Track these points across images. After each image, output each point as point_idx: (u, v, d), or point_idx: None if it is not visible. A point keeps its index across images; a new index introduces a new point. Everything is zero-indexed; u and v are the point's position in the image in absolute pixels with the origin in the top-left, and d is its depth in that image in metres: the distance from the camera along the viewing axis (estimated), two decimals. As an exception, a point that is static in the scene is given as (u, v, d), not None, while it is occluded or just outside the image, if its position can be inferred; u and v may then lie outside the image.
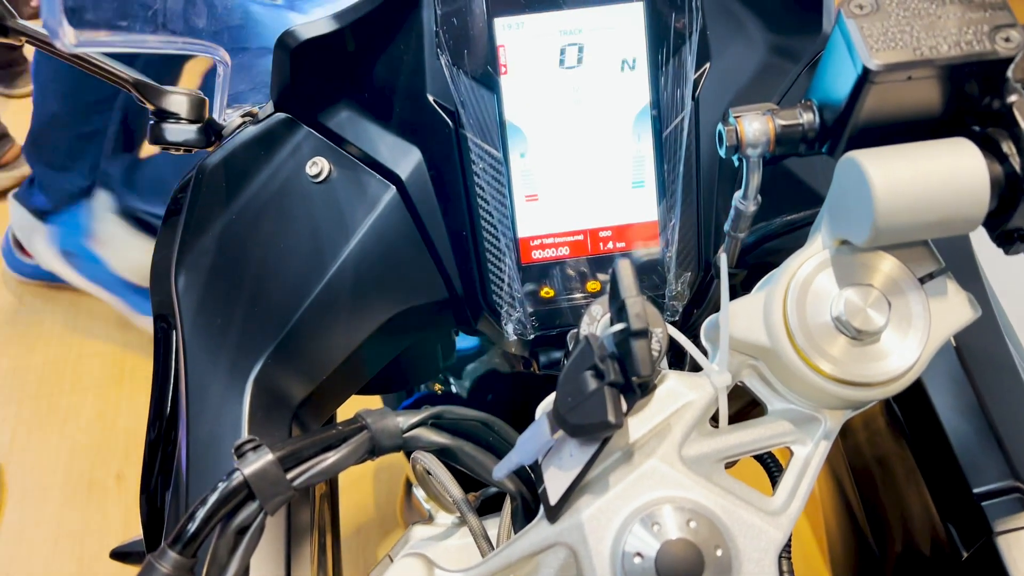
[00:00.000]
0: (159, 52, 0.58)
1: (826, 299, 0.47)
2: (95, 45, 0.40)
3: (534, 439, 0.46)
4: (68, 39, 0.37)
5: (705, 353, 0.51)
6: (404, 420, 0.49)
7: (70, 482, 1.78)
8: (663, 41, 0.59)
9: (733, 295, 0.49)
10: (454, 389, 1.09)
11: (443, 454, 0.51)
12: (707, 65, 0.61)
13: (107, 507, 1.74)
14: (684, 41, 0.59)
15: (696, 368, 0.51)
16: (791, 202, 0.60)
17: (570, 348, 0.55)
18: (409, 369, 0.87)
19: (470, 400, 1.12)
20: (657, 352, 0.46)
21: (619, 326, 0.42)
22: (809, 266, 0.48)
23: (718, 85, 0.62)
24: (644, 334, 0.41)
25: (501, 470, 0.47)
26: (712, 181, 0.63)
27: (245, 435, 0.61)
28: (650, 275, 0.62)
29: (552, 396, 0.49)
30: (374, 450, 0.49)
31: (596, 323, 0.49)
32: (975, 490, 0.58)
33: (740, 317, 0.49)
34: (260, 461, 0.44)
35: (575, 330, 0.55)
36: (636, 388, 0.42)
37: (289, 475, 0.45)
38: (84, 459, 1.81)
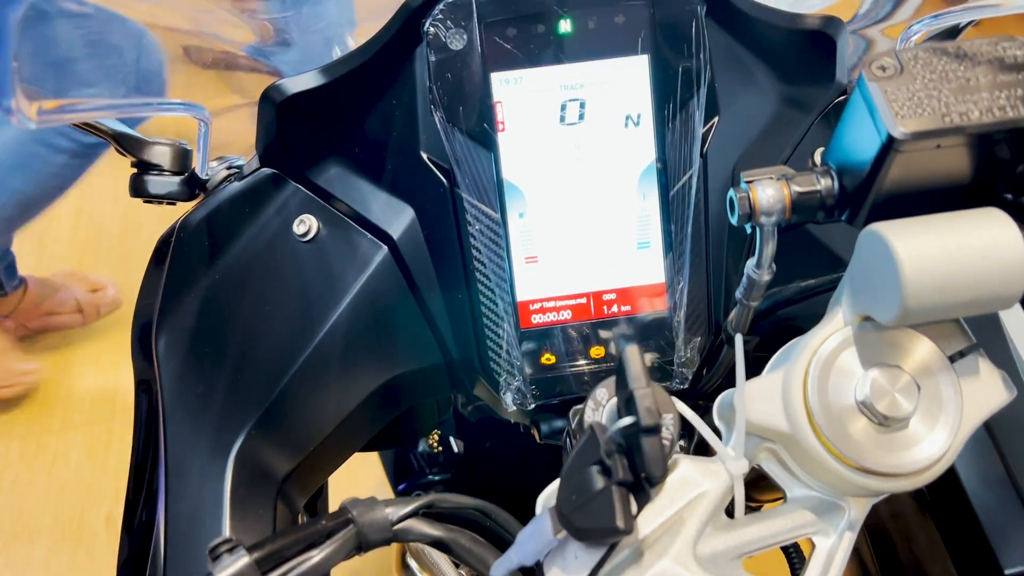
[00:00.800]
0: (134, 115, 0.55)
1: (850, 380, 0.44)
2: (60, 118, 0.37)
3: (535, 537, 0.42)
4: (28, 115, 0.34)
5: (718, 433, 0.48)
6: (393, 511, 0.46)
7: (59, 525, 1.73)
8: (669, 96, 0.56)
9: (745, 364, 0.46)
10: (452, 440, 1.05)
11: (437, 546, 0.47)
12: (716, 119, 0.58)
13: (96, 551, 1.69)
14: (692, 95, 0.56)
15: (706, 446, 0.47)
16: (807, 265, 0.57)
17: (572, 425, 0.51)
18: (404, 425, 0.83)
19: (467, 451, 1.09)
20: (669, 443, 0.43)
21: (628, 420, 0.39)
22: (831, 344, 0.44)
23: (727, 139, 0.59)
24: (655, 430, 0.37)
25: (499, 569, 0.43)
26: (722, 239, 0.59)
27: (227, 513, 0.57)
28: (657, 340, 0.58)
29: (554, 487, 0.46)
30: (361, 545, 0.45)
31: (601, 408, 0.45)
32: (1007, 571, 0.54)
33: (757, 399, 0.45)
34: (236, 565, 0.41)
35: (578, 407, 0.51)
36: (646, 487, 0.39)
37: (268, 578, 0.41)
38: (73, 501, 1.76)
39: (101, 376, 1.93)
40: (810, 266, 0.57)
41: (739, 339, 0.44)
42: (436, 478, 1.15)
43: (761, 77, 0.60)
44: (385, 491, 1.18)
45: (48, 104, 0.36)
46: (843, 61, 0.60)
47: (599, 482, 0.39)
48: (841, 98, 0.61)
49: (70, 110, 0.38)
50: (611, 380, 0.46)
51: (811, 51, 0.59)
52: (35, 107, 0.35)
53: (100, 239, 2.14)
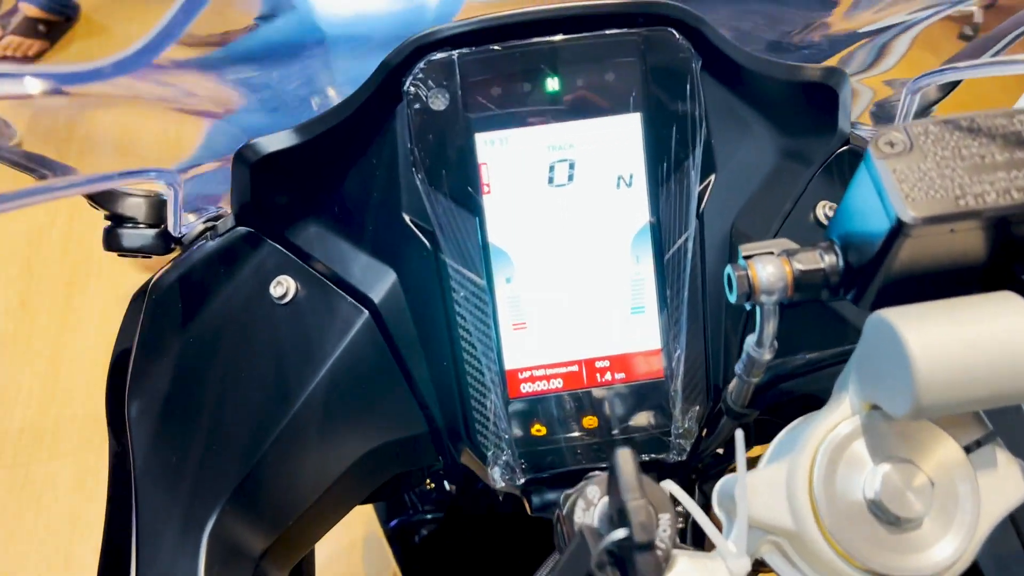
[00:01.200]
0: (96, 190, 0.52)
1: (859, 475, 0.41)
2: (9, 203, 0.34)
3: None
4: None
5: (716, 524, 0.45)
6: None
7: (46, 558, 1.70)
8: (663, 155, 0.53)
9: (746, 434, 0.43)
10: (446, 484, 1.02)
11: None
12: (712, 176, 0.55)
13: (84, 584, 1.66)
14: (687, 154, 0.53)
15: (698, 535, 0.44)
16: (810, 336, 0.54)
17: (563, 512, 0.48)
18: (393, 479, 0.80)
19: (460, 489, 1.06)
20: (663, 552, 0.39)
21: (621, 533, 0.36)
22: (839, 434, 0.41)
23: (725, 196, 0.56)
24: (649, 547, 0.35)
25: None
26: (719, 300, 0.57)
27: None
28: (653, 408, 0.56)
29: (543, 590, 0.43)
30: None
31: (593, 508, 0.42)
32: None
33: (760, 492, 0.42)
34: None
35: (569, 492, 0.48)
36: (640, 605, 0.36)
37: None
38: (61, 532, 1.73)
39: (91, 403, 1.90)
40: (815, 333, 0.54)
41: (740, 436, 0.41)
42: (428, 516, 1.12)
43: (759, 130, 0.57)
44: (374, 525, 1.15)
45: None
46: (846, 111, 0.57)
47: (590, 598, 0.36)
48: (843, 148, 0.59)
49: (23, 195, 0.35)
50: (603, 477, 0.43)
51: (811, 102, 0.57)
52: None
53: (90, 262, 2.11)
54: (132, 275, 2.03)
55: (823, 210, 0.58)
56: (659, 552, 0.38)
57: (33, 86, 0.29)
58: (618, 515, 0.37)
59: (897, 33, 0.64)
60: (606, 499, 0.42)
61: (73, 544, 1.72)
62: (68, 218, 1.94)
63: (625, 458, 0.36)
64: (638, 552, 0.35)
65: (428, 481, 1.08)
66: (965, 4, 0.60)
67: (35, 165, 0.39)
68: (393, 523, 1.15)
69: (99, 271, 2.09)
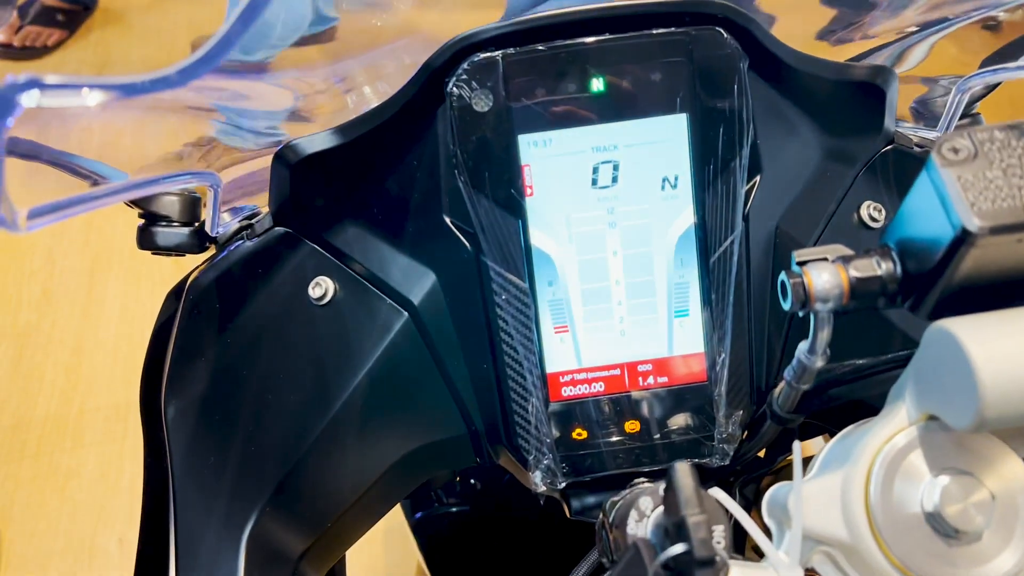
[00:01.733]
0: (143, 194, 0.52)
1: (916, 486, 0.40)
2: (55, 216, 0.34)
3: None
4: (19, 224, 0.31)
5: (768, 533, 0.44)
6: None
7: (71, 548, 1.71)
8: (710, 156, 0.52)
9: (788, 437, 0.43)
10: (472, 480, 1.02)
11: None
12: (757, 178, 0.54)
13: (108, 574, 1.67)
14: (734, 155, 0.52)
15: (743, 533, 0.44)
16: (862, 339, 0.53)
17: (609, 519, 0.48)
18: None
19: (486, 483, 1.06)
20: (720, 564, 0.39)
21: (680, 548, 0.35)
22: (896, 444, 0.41)
23: (770, 197, 0.55)
24: (711, 563, 0.34)
25: None
26: (763, 303, 0.56)
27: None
28: (696, 412, 0.55)
29: (593, 602, 0.42)
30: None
31: (646, 519, 0.42)
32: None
33: (813, 502, 0.42)
34: None
35: (615, 499, 0.48)
36: (698, 620, 0.35)
37: None
38: (85, 522, 1.74)
39: (113, 394, 1.91)
40: (866, 340, 0.53)
41: (797, 447, 0.41)
42: (454, 509, 1.12)
43: (805, 130, 0.56)
44: (399, 519, 1.15)
45: (39, 208, 0.33)
46: (892, 111, 0.56)
47: (646, 612, 0.35)
48: (888, 147, 0.58)
49: (67, 204, 0.35)
50: (654, 487, 0.43)
51: (859, 102, 0.56)
52: (24, 212, 0.32)
53: (111, 252, 2.12)
54: (154, 266, 2.04)
55: (867, 211, 0.57)
56: (718, 567, 0.38)
57: (93, 98, 0.28)
58: (675, 529, 0.36)
59: (933, 33, 0.63)
60: (659, 511, 0.42)
61: (97, 534, 1.73)
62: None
63: (684, 471, 0.36)
64: (698, 568, 0.34)
65: (455, 475, 1.08)
66: (1006, 7, 0.59)
67: (87, 171, 0.39)
68: (418, 515, 1.15)
69: (120, 261, 2.09)
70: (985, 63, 0.61)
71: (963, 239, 0.37)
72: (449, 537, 1.11)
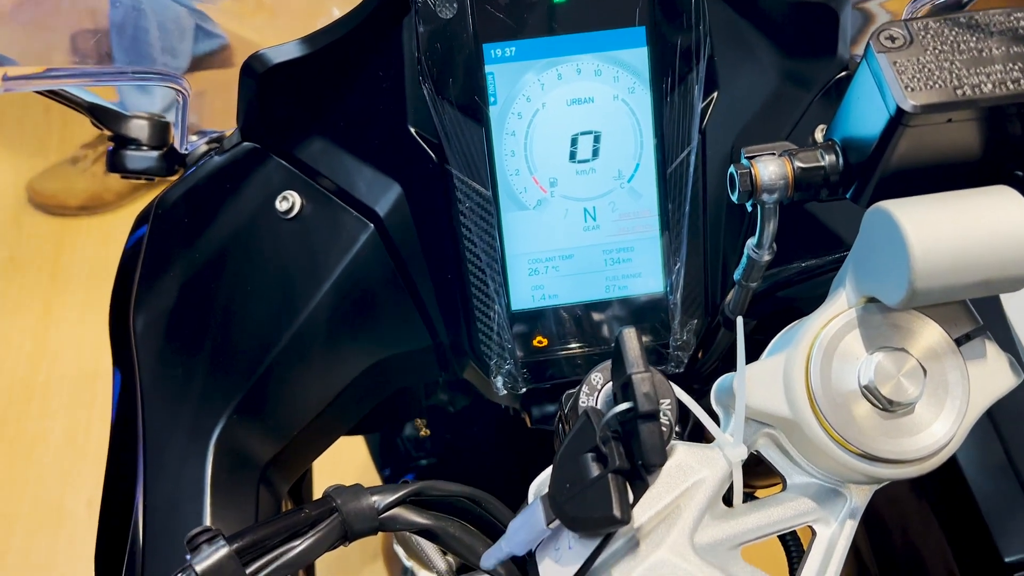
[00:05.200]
0: (107, 85, 0.52)
1: (854, 364, 0.42)
2: (27, 84, 0.34)
3: (527, 527, 0.40)
4: (-12, 79, 0.32)
5: (715, 419, 0.46)
6: (380, 499, 0.44)
7: (38, 510, 1.70)
8: (667, 68, 0.53)
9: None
10: (441, 433, 1.03)
11: (425, 535, 0.45)
12: (715, 94, 0.56)
13: (77, 535, 1.67)
14: (690, 68, 0.54)
15: (702, 431, 0.46)
16: (807, 244, 0.55)
17: (564, 410, 0.50)
18: (388, 408, 0.81)
19: (455, 435, 1.07)
20: (667, 429, 0.41)
21: (625, 405, 0.37)
22: (834, 326, 0.43)
23: (727, 115, 0.57)
24: (654, 416, 0.36)
25: (490, 560, 0.42)
26: (719, 218, 0.58)
27: (207, 500, 0.55)
28: (652, 322, 0.57)
29: (547, 474, 0.44)
30: (347, 535, 0.43)
31: (596, 394, 0.44)
32: (1007, 559, 0.53)
33: (757, 384, 0.44)
34: (216, 555, 0.39)
35: (570, 391, 0.49)
36: (644, 475, 0.37)
37: (249, 570, 0.40)
38: (53, 486, 1.73)
39: (81, 360, 1.90)
40: (810, 245, 0.55)
41: (740, 323, 0.42)
42: (423, 462, 1.13)
43: (761, 52, 0.58)
44: (371, 474, 1.17)
45: (13, 71, 0.34)
46: (845, 35, 0.58)
47: (594, 470, 0.37)
48: (842, 74, 0.60)
49: (40, 76, 0.36)
50: (606, 364, 0.45)
51: (813, 24, 0.58)
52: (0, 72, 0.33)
53: (80, 215, 2.10)
54: (124, 231, 2.02)
55: (821, 134, 0.59)
56: (662, 426, 0.40)
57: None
58: (622, 391, 0.38)
59: None
60: (609, 385, 0.44)
61: (65, 498, 1.72)
62: (58, 174, 1.93)
63: (630, 335, 0.38)
64: (642, 422, 0.36)
65: (423, 426, 1.09)
66: None
67: None
68: (387, 470, 1.16)
69: (88, 227, 2.08)
70: None
71: (899, 119, 0.39)
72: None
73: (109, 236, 2.04)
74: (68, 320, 1.95)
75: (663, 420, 0.41)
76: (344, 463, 1.41)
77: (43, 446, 1.80)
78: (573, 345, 0.57)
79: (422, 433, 1.11)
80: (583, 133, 0.54)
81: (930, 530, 0.58)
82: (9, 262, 2.04)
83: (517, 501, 0.50)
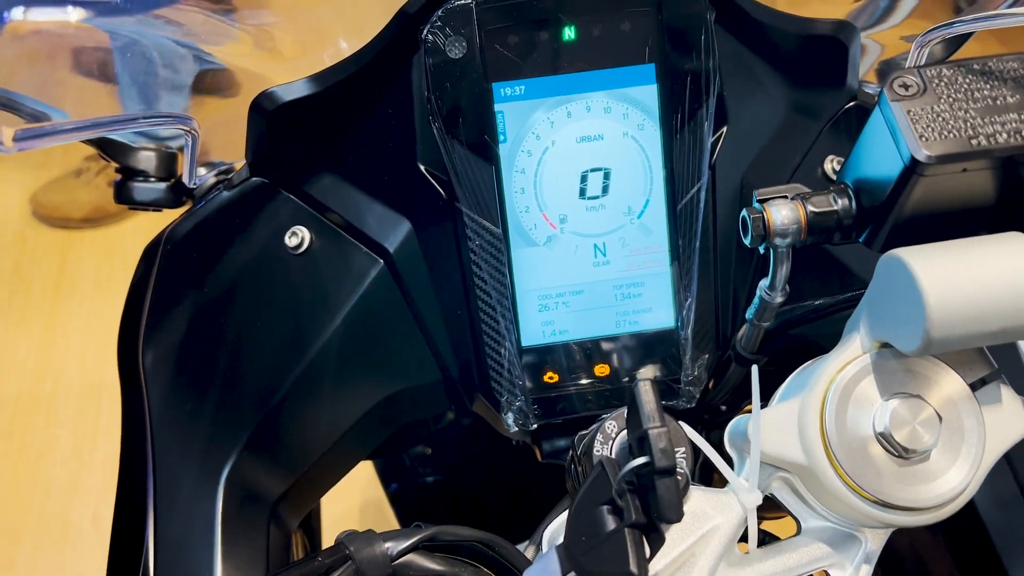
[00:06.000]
0: (124, 130, 0.52)
1: (869, 410, 0.42)
2: (40, 142, 0.34)
3: (542, 577, 0.40)
4: (4, 143, 0.32)
5: (728, 461, 0.46)
6: (393, 546, 0.44)
7: (44, 524, 1.70)
8: (677, 105, 0.53)
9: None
10: (447, 450, 1.03)
11: (439, 580, 0.45)
12: (724, 128, 0.56)
13: (83, 551, 1.67)
14: (700, 104, 0.54)
15: (711, 467, 0.45)
16: (820, 282, 0.55)
17: (577, 452, 0.50)
18: (396, 437, 0.81)
19: (461, 453, 1.07)
20: (682, 479, 0.41)
21: (641, 460, 0.37)
22: (849, 372, 0.43)
23: (736, 148, 0.57)
24: (671, 472, 0.36)
25: (505, 609, 0.42)
26: (729, 251, 0.58)
27: (218, 538, 0.55)
28: (663, 356, 0.57)
29: (561, 521, 0.44)
30: (360, 583, 0.43)
31: (611, 442, 0.43)
32: (1020, 594, 0.53)
33: (771, 428, 0.44)
34: (230, 609, 0.39)
35: (583, 432, 0.49)
36: (660, 529, 0.37)
37: (263, 622, 0.40)
38: (59, 499, 1.74)
39: (86, 372, 1.90)
40: (823, 283, 0.55)
41: (755, 372, 0.42)
42: (429, 479, 1.13)
43: (770, 84, 0.58)
44: (375, 490, 1.17)
45: (25, 127, 0.34)
46: (855, 66, 0.58)
47: (610, 523, 0.37)
48: (851, 104, 0.59)
49: (51, 132, 0.36)
50: (620, 412, 0.45)
51: (823, 57, 0.57)
52: (11, 132, 0.33)
53: (84, 228, 2.10)
54: (128, 242, 2.03)
55: (831, 164, 0.59)
56: (679, 480, 0.40)
57: (74, 15, 0.29)
58: (637, 444, 0.38)
59: None
60: (624, 433, 0.43)
61: (71, 511, 1.72)
62: (62, 186, 1.94)
63: (646, 388, 0.37)
64: (659, 477, 0.36)
65: (427, 449, 1.08)
66: None
67: (29, 108, 0.39)
68: (392, 487, 1.16)
69: (93, 239, 2.08)
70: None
71: (912, 169, 0.39)
72: (425, 507, 1.12)
73: (113, 248, 2.04)
74: (73, 332, 1.95)
75: (679, 472, 0.40)
76: (349, 480, 1.40)
77: (49, 458, 1.80)
78: (584, 380, 0.57)
79: (427, 451, 1.11)
80: (593, 170, 0.54)
81: (943, 564, 0.58)
82: (14, 274, 2.04)
83: (523, 519, 0.49)
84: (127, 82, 0.46)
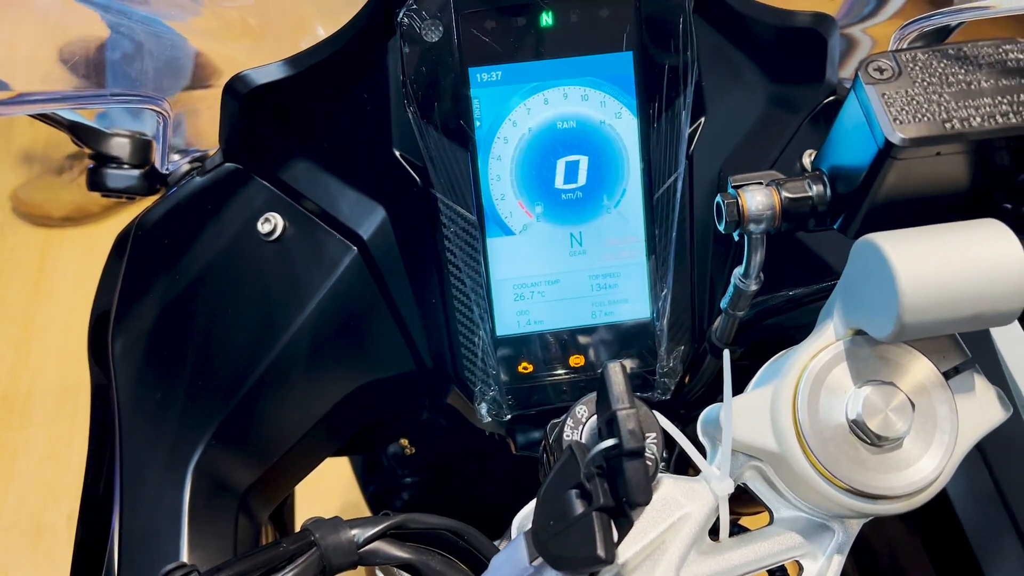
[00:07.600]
0: (90, 107, 0.51)
1: (841, 398, 0.42)
2: (14, 110, 0.34)
3: (510, 563, 0.40)
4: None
5: (702, 450, 0.45)
6: (360, 533, 0.43)
7: (18, 524, 1.68)
8: (655, 94, 0.53)
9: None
10: (426, 450, 1.02)
11: (407, 569, 0.44)
12: (702, 119, 0.55)
13: (56, 550, 1.64)
14: (678, 94, 0.53)
15: (687, 459, 0.45)
16: (795, 273, 0.54)
17: (549, 440, 0.49)
18: (372, 431, 0.80)
19: (440, 453, 1.06)
20: (652, 465, 0.40)
21: (609, 442, 0.36)
22: (822, 359, 0.42)
23: (714, 140, 0.56)
24: (639, 454, 0.35)
25: (472, 596, 0.41)
26: (706, 244, 0.57)
27: (185, 529, 0.54)
28: (639, 348, 0.56)
29: (530, 508, 0.43)
30: (325, 570, 0.42)
31: (581, 427, 0.43)
32: (994, 590, 0.53)
33: (744, 416, 0.43)
34: (189, 593, 0.38)
35: (555, 420, 0.49)
36: (629, 513, 0.36)
37: (223, 607, 0.39)
38: (34, 500, 1.71)
39: (64, 371, 1.88)
40: (798, 274, 0.54)
41: (727, 356, 0.42)
42: (408, 480, 1.12)
43: (749, 76, 0.58)
44: (355, 492, 1.15)
45: (1, 96, 0.33)
46: (834, 60, 0.58)
47: (579, 507, 0.36)
48: (830, 98, 0.59)
49: (23, 101, 0.35)
50: (591, 397, 0.44)
51: (801, 49, 0.57)
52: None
53: (65, 226, 2.08)
54: (108, 241, 2.00)
55: (809, 159, 0.58)
56: (648, 463, 0.39)
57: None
58: (607, 427, 0.37)
59: None
60: (594, 418, 0.43)
61: (46, 511, 1.70)
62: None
63: (615, 370, 0.37)
64: (627, 460, 0.35)
65: (407, 443, 1.07)
66: None
67: None
68: (371, 488, 1.15)
69: (73, 238, 2.06)
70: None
71: (887, 152, 0.39)
72: (405, 509, 1.11)
73: (93, 247, 2.02)
74: (51, 331, 1.92)
75: (648, 455, 0.40)
76: (328, 482, 1.39)
77: (24, 458, 1.77)
78: (559, 371, 0.56)
79: (407, 451, 1.10)
80: (569, 158, 0.54)
81: (919, 560, 0.58)
82: (-8, 272, 2.02)
83: (503, 520, 0.49)
84: (114, 57, 0.45)
